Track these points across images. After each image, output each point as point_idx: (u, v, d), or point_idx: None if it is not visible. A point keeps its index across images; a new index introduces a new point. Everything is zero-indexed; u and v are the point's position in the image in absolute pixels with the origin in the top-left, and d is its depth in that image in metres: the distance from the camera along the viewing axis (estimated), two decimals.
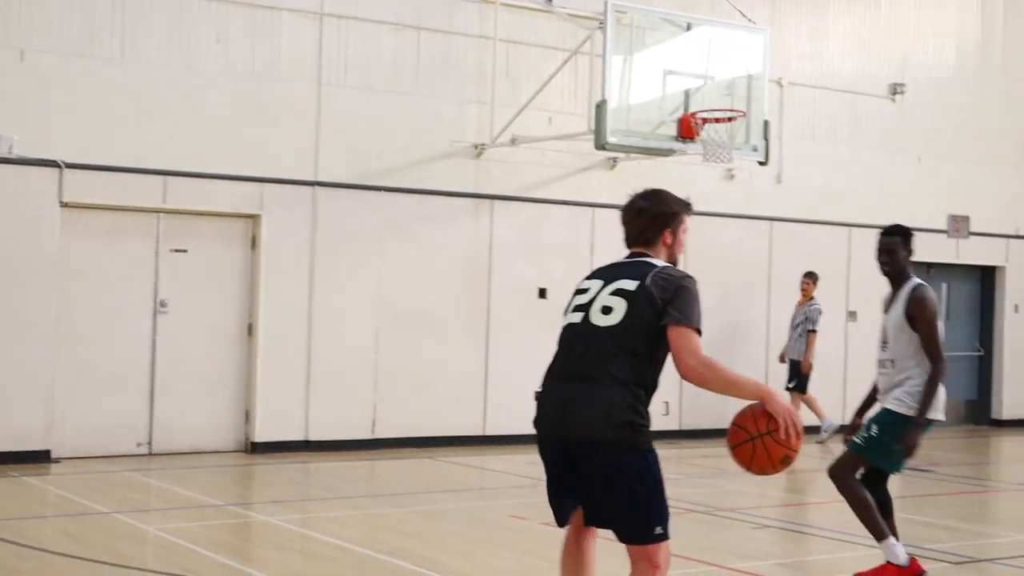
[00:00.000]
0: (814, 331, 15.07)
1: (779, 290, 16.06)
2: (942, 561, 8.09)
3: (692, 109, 13.41)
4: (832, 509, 10.63)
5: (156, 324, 12.50)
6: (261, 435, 12.78)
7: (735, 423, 4.86)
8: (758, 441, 4.78)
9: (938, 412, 7.10)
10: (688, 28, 13.87)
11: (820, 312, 15.23)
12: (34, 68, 11.87)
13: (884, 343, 7.18)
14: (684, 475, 12.42)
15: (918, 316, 7.01)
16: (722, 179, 15.75)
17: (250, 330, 12.88)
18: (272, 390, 12.81)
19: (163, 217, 12.53)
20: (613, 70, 12.90)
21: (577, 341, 4.81)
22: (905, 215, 17.17)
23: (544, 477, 4.88)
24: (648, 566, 4.72)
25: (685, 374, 4.74)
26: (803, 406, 15.12)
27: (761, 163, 14.18)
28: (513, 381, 14.25)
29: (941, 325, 7.33)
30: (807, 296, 15.32)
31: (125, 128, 12.28)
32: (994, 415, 18.42)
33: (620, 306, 4.75)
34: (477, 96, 14.14)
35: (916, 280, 7.20)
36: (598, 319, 4.76)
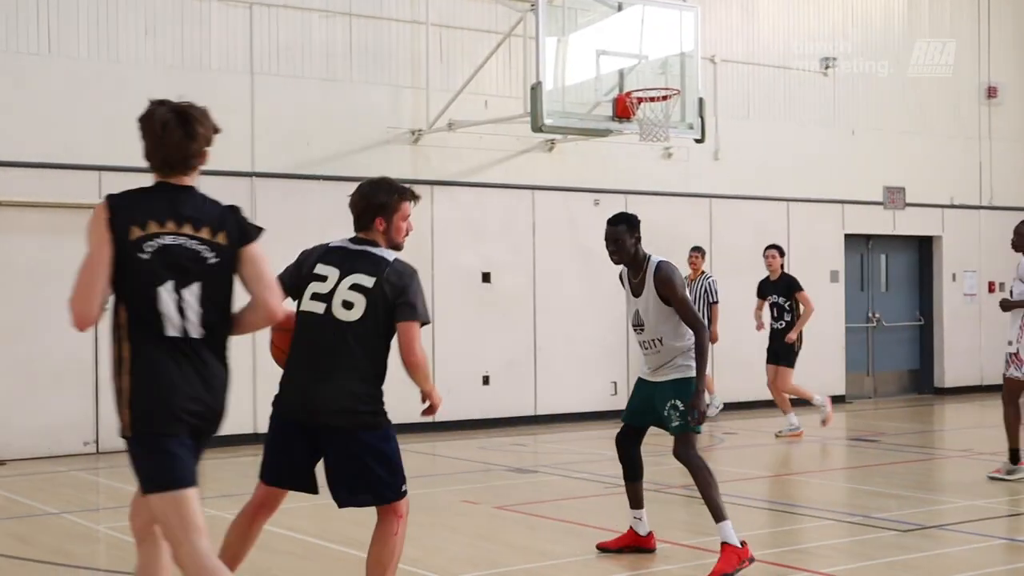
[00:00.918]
0: (716, 303, 14.66)
1: (721, 267, 16.22)
2: (891, 530, 8.26)
3: (627, 89, 13.52)
4: (779, 482, 10.81)
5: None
6: None
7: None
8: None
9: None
10: (620, 8, 13.96)
11: (716, 283, 14.77)
12: None
13: (640, 326, 7.29)
14: None
15: (671, 294, 7.11)
16: (660, 158, 15.88)
17: None
18: None
19: None
20: (547, 52, 12.97)
21: (320, 333, 5.31)
22: (841, 188, 17.53)
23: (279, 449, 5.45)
24: (395, 517, 5.45)
25: (410, 363, 5.37)
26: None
27: (697, 141, 14.33)
28: (461, 366, 14.32)
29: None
30: (697, 271, 14.76)
31: (56, 123, 12.17)
32: (936, 383, 18.75)
33: (360, 303, 5.29)
34: (412, 82, 14.16)
35: (656, 259, 7.24)
36: (340, 313, 5.29)
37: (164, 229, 4.47)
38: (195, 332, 4.44)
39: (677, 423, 7.13)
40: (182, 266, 4.44)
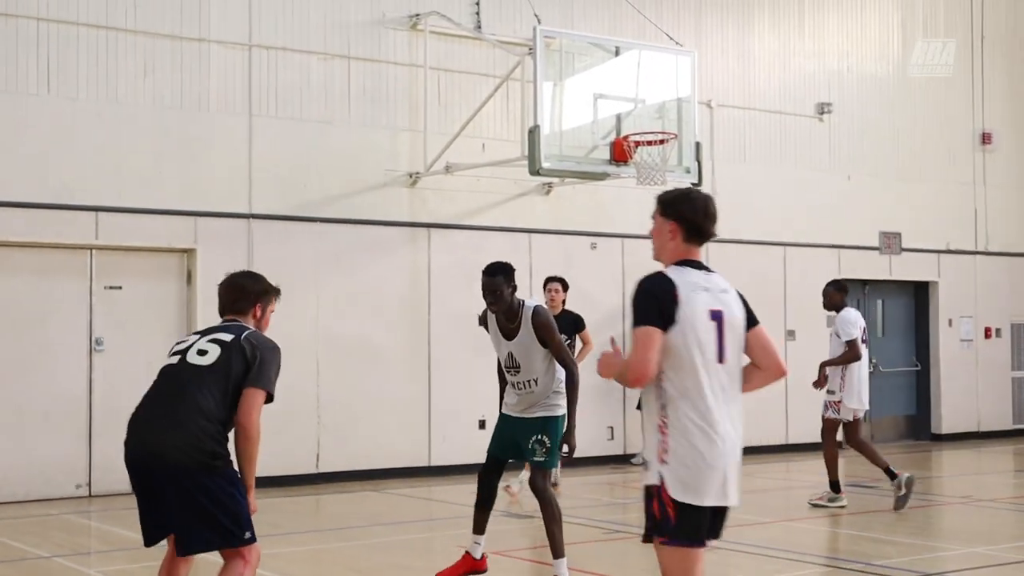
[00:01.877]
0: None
1: None
2: None
3: (624, 132, 13.53)
4: (781, 528, 10.72)
5: (92, 362, 12.33)
6: None
7: None
8: None
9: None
10: (617, 52, 14.00)
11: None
12: None
13: (516, 368, 7.60)
14: (630, 500, 12.44)
15: (549, 337, 7.50)
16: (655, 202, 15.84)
17: None
18: None
19: (96, 253, 12.38)
20: (544, 95, 12.96)
21: (173, 376, 5.48)
22: (837, 233, 17.53)
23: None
24: (241, 561, 5.39)
25: (243, 427, 5.42)
26: None
27: (694, 184, 14.30)
28: (456, 409, 14.23)
29: None
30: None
31: (53, 164, 12.14)
32: (934, 429, 18.67)
33: (215, 351, 5.45)
34: (409, 124, 14.15)
35: (529, 303, 7.61)
36: (194, 359, 5.45)
37: None
38: None
39: (541, 458, 7.59)
40: None
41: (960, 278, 18.94)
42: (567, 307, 12.72)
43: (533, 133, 12.74)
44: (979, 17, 19.44)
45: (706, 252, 16.88)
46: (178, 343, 5.72)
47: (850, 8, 18.09)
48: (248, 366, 5.44)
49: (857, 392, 11.74)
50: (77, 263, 12.35)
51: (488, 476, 7.78)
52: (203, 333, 5.66)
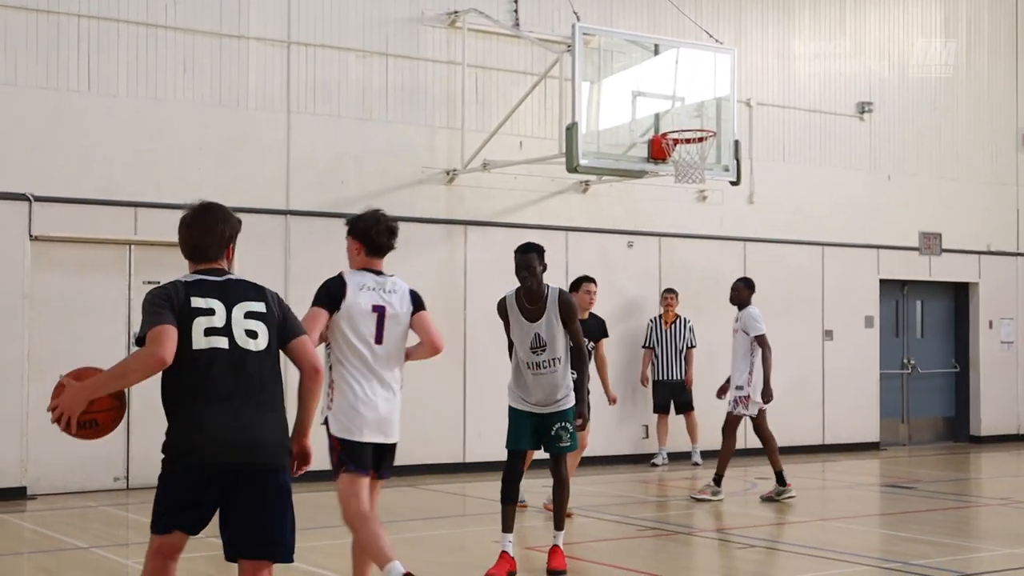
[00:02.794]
0: (693, 347, 15.30)
1: None
2: None
3: (662, 130, 13.51)
4: (817, 528, 10.67)
5: None
6: None
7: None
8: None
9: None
10: (656, 50, 13.98)
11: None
12: (0, 102, 11.82)
13: (542, 347, 8.01)
14: (664, 497, 12.43)
15: (571, 316, 8.02)
16: (694, 200, 15.83)
17: None
18: None
19: (135, 248, 12.47)
20: (582, 93, 12.96)
21: (234, 365, 4.88)
22: (876, 233, 17.42)
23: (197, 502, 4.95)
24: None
25: (317, 369, 5.19)
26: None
27: (733, 183, 14.26)
28: (493, 406, 14.21)
29: None
30: (671, 314, 15.26)
31: (94, 160, 12.24)
32: (972, 431, 18.52)
33: (263, 332, 4.99)
34: (447, 122, 14.18)
35: (554, 287, 8.10)
36: (246, 343, 4.94)
37: None
38: None
39: (567, 443, 8.15)
40: None
41: (1001, 279, 18.78)
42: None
43: (571, 131, 12.73)
44: (1023, 15, 19.28)
45: (743, 250, 16.94)
46: (199, 310, 4.90)
47: (892, 7, 17.97)
48: (283, 324, 5.07)
49: (763, 386, 11.97)
50: (116, 258, 12.44)
51: (513, 471, 8.20)
52: (224, 299, 4.95)
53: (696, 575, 7.64)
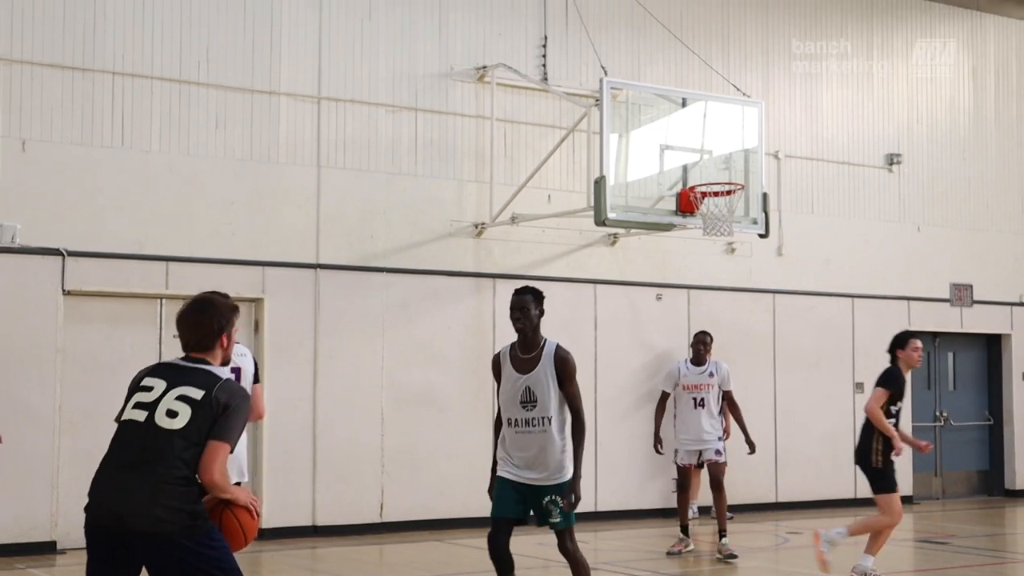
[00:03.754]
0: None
1: (784, 362, 16.09)
2: None
3: (690, 183, 13.56)
4: None
5: None
6: (268, 521, 12.71)
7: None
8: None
9: None
10: (683, 103, 14.08)
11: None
12: (36, 158, 12.01)
13: (532, 403, 7.37)
14: (698, 552, 12.36)
15: (569, 376, 7.38)
16: (723, 253, 15.85)
17: None
18: (278, 475, 12.78)
19: (166, 303, 12.59)
20: (610, 146, 13.05)
21: (140, 437, 5.13)
22: (907, 285, 17.38)
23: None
24: None
25: (208, 483, 5.14)
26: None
27: (761, 236, 14.29)
28: None
29: None
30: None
31: (126, 215, 12.40)
32: (1007, 485, 18.34)
33: (185, 412, 5.13)
34: (476, 175, 14.28)
35: (552, 340, 7.48)
36: (163, 421, 5.12)
37: None
38: None
39: (558, 519, 7.39)
40: None
41: None
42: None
43: (599, 184, 12.80)
44: None
45: (773, 302, 16.87)
46: (141, 387, 5.26)
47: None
48: (215, 421, 5.15)
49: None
50: (147, 312, 12.57)
51: (498, 541, 7.45)
52: (170, 381, 5.23)
53: None
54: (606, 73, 13.36)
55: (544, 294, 7.66)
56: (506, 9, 14.66)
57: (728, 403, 12.39)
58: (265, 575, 11.36)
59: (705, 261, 15.66)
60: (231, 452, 5.23)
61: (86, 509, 5.31)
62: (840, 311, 16.79)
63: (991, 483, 18.50)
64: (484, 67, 14.32)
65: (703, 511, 14.92)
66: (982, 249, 18.20)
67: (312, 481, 12.96)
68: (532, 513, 7.49)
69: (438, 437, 13.81)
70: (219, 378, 5.27)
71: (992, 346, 18.64)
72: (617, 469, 14.90)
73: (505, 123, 14.48)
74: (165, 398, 5.17)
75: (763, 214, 13.93)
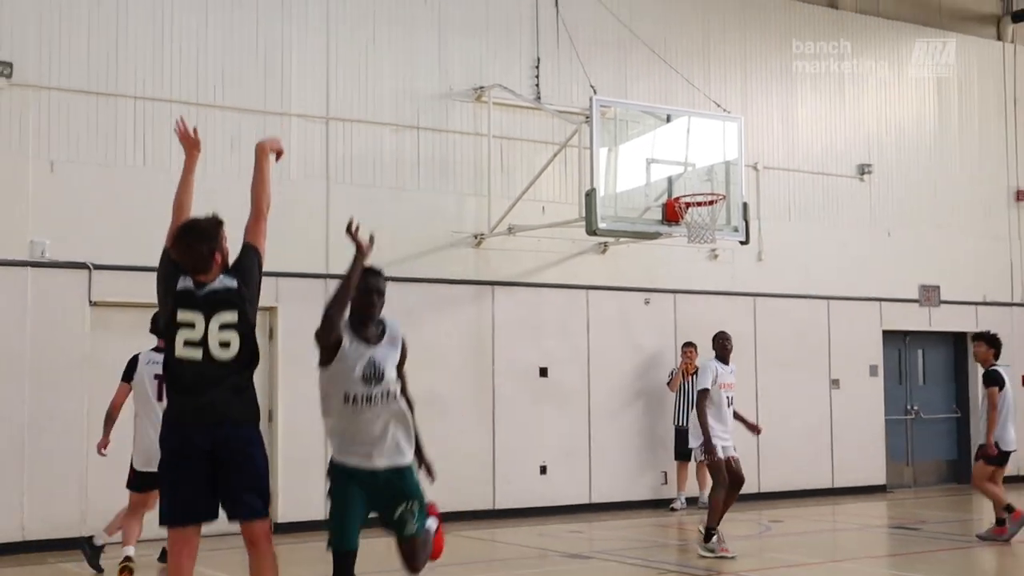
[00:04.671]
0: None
1: (764, 361, 16.15)
2: None
3: (675, 194, 13.63)
4: (826, 570, 10.64)
5: None
6: (284, 516, 12.76)
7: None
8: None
9: None
10: (668, 119, 14.14)
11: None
12: (64, 178, 12.05)
13: (377, 378, 6.21)
14: (683, 541, 12.40)
15: (404, 358, 6.48)
16: (706, 259, 15.91)
17: (270, 416, 12.94)
18: (293, 473, 12.81)
19: None
20: (600, 161, 13.12)
21: (200, 373, 5.74)
22: (878, 286, 17.44)
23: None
24: (269, 543, 5.90)
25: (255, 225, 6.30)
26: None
27: (742, 243, 14.35)
28: (519, 455, 14.30)
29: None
30: (691, 367, 14.51)
31: (148, 230, 12.33)
32: None
33: (234, 340, 5.76)
34: (474, 189, 14.33)
35: (391, 318, 6.61)
36: (219, 353, 5.74)
37: None
38: None
39: (415, 528, 6.43)
40: None
41: (997, 328, 18.54)
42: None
43: (590, 196, 12.87)
44: (1011, 79, 19.38)
45: (753, 306, 16.87)
46: (182, 324, 5.78)
47: (888, 72, 18.08)
48: (250, 294, 5.90)
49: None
50: None
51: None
52: (206, 314, 5.77)
53: None
54: (595, 92, 13.41)
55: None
56: (501, 32, 14.72)
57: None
58: (284, 567, 11.34)
59: (690, 267, 15.72)
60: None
61: (169, 421, 5.82)
62: (816, 312, 16.85)
63: (959, 472, 18.56)
64: (481, 87, 14.37)
65: (691, 502, 14.99)
66: (948, 252, 18.26)
67: (324, 479, 12.97)
68: (378, 513, 6.40)
69: (441, 435, 13.77)
70: (231, 287, 5.83)
71: (959, 343, 18.70)
72: (609, 463, 14.95)
73: (501, 140, 14.53)
74: (210, 332, 5.71)
75: (743, 222, 13.98)
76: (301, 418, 12.81)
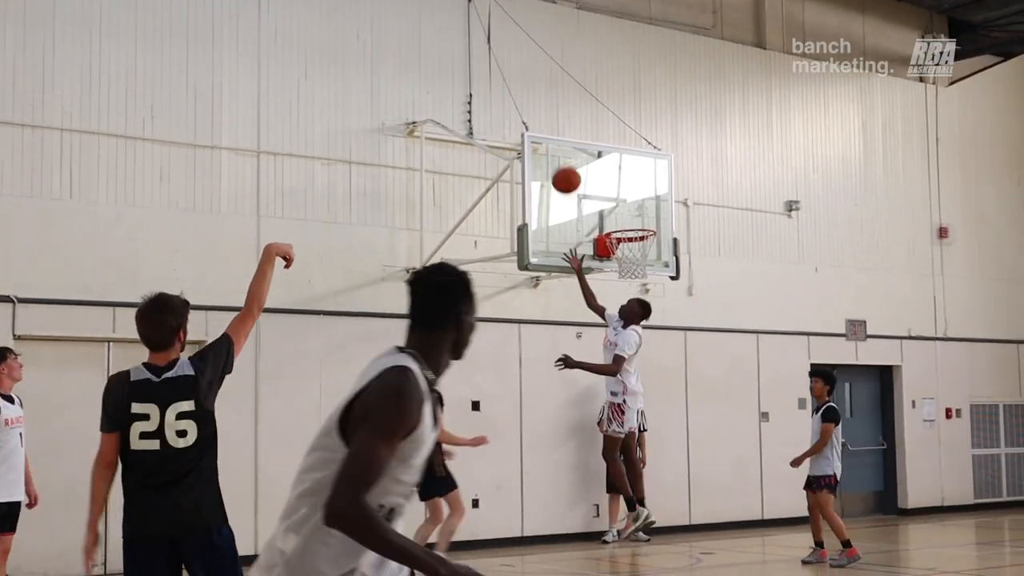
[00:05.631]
0: (644, 431, 14.73)
1: (695, 394, 16.19)
2: None
3: (606, 230, 13.66)
4: None
5: None
6: None
7: None
8: None
9: None
10: (599, 155, 14.19)
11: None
12: None
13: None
14: (619, 573, 12.34)
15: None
16: (637, 294, 15.93)
17: None
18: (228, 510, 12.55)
19: (113, 346, 12.39)
20: (532, 196, 13.12)
21: (159, 463, 5.58)
22: (806, 321, 17.59)
23: None
24: None
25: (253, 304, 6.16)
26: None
27: (673, 278, 14.41)
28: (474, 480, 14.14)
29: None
30: None
31: (74, 263, 12.20)
32: (900, 504, 18.58)
33: (192, 429, 5.58)
34: (407, 223, 14.26)
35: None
36: (177, 442, 5.56)
37: None
38: None
39: None
40: None
41: (922, 362, 18.97)
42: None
43: (522, 231, 12.86)
44: (933, 120, 19.71)
45: (684, 339, 16.95)
46: (136, 415, 5.56)
47: (814, 113, 18.34)
48: (210, 379, 5.69)
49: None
50: (95, 355, 12.36)
51: None
52: (160, 403, 5.56)
53: None
54: (527, 128, 13.43)
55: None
56: (433, 69, 14.70)
57: None
58: None
59: (621, 301, 15.70)
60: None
61: (129, 528, 5.65)
62: (746, 346, 16.95)
63: (886, 502, 18.72)
64: (414, 122, 14.33)
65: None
66: (874, 287, 18.48)
67: (255, 515, 12.76)
68: None
69: None
70: (189, 374, 5.60)
71: (884, 376, 18.90)
72: (541, 496, 14.87)
73: (434, 174, 14.49)
74: (167, 421, 5.50)
75: (674, 257, 14.05)
76: (231, 453, 12.54)
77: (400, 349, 3.75)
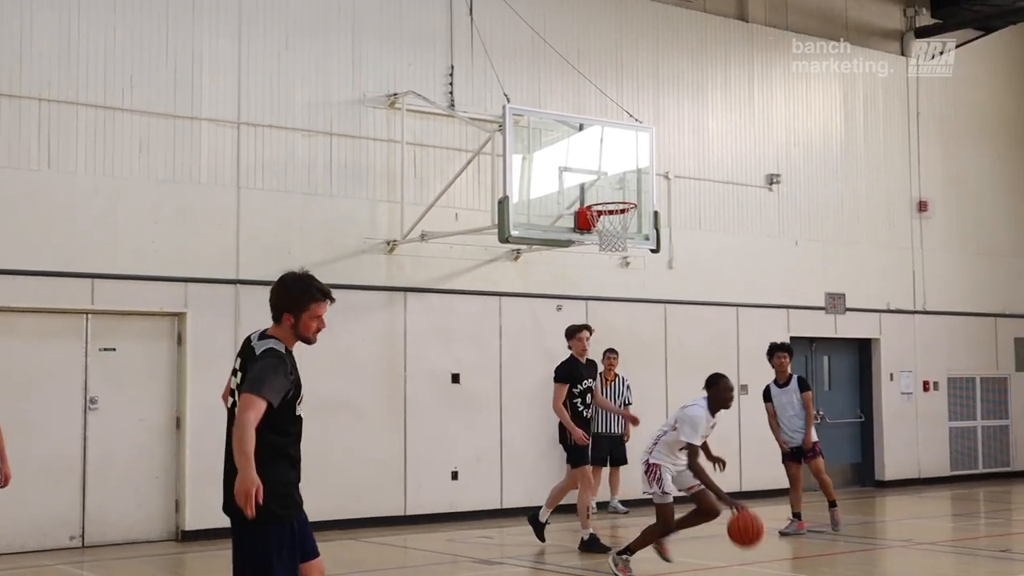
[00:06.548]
0: (629, 404, 15.16)
1: (675, 367, 16.23)
2: None
3: (588, 203, 13.60)
4: (735, 572, 10.69)
5: (87, 420, 12.25)
6: (191, 523, 12.51)
7: None
8: None
9: None
10: (580, 128, 14.12)
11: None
12: None
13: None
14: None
15: None
16: (618, 267, 15.95)
17: (178, 423, 12.69)
18: (200, 480, 12.53)
19: (91, 318, 12.33)
20: (513, 169, 13.05)
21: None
22: (786, 294, 17.63)
23: None
24: None
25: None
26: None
27: (653, 251, 14.38)
28: (431, 461, 14.19)
29: None
30: (611, 372, 15.28)
31: (53, 234, 12.12)
32: (877, 476, 18.70)
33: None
34: (387, 196, 14.21)
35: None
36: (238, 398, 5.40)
37: None
38: None
39: None
40: None
41: (900, 335, 19.06)
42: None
43: (503, 203, 12.81)
44: (914, 95, 19.72)
45: (664, 313, 16.95)
46: (234, 370, 5.63)
47: (796, 87, 18.32)
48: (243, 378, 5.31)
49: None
50: (74, 327, 12.30)
51: None
52: (240, 363, 5.56)
53: None
54: (509, 100, 13.37)
55: None
56: (415, 40, 14.62)
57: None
58: (188, 575, 11.16)
59: (602, 274, 15.73)
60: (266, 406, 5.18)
61: (293, 500, 5.71)
62: (726, 319, 16.98)
63: (863, 474, 18.84)
64: (395, 94, 14.25)
65: (601, 506, 15.01)
66: (853, 261, 18.54)
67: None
68: None
69: (352, 442, 13.68)
70: (265, 342, 5.43)
71: (863, 349, 18.99)
72: (521, 469, 14.90)
73: (415, 147, 14.43)
74: (236, 379, 5.48)
75: (655, 231, 14.02)
76: (209, 423, 12.55)
77: None
